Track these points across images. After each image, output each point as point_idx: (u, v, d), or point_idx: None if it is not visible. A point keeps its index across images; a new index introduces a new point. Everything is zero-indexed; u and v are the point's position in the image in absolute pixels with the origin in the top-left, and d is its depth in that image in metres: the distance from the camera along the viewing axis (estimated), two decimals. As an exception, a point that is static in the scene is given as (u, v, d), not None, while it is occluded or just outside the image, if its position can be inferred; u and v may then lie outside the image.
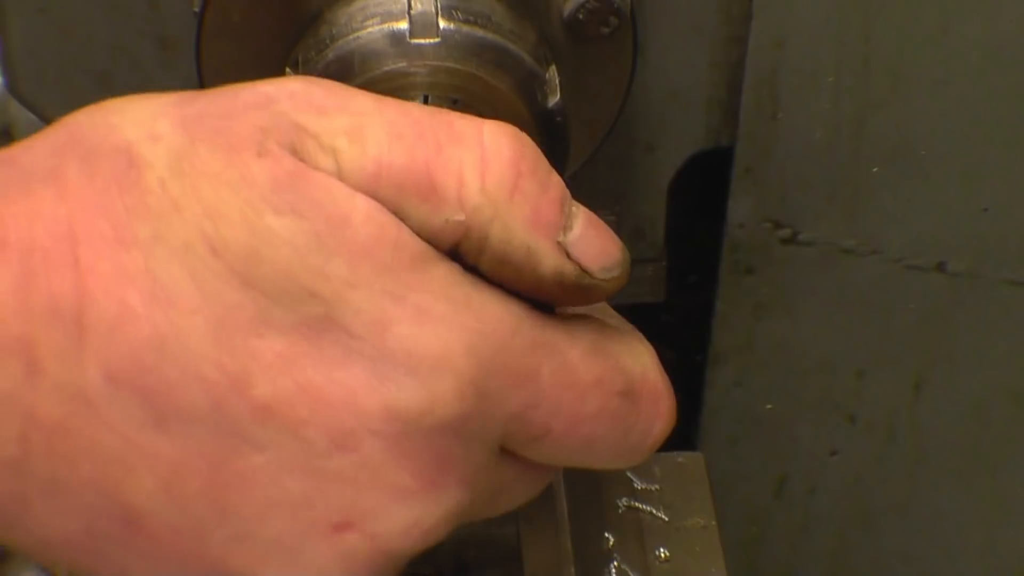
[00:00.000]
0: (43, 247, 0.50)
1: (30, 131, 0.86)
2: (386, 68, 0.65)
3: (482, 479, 0.56)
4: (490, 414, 0.54)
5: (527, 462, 0.59)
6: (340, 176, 0.52)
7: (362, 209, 0.52)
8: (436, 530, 0.55)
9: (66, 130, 0.54)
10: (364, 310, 0.51)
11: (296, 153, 0.52)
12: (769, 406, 0.93)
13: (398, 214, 0.53)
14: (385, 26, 0.65)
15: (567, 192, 0.57)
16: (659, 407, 0.60)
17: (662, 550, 0.82)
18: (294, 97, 0.54)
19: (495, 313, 0.54)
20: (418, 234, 0.53)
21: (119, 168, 0.51)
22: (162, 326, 0.50)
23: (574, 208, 0.57)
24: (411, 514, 0.53)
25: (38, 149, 0.53)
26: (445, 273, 0.53)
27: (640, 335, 0.63)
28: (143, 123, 0.53)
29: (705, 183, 0.84)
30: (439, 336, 0.52)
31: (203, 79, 0.71)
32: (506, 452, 0.58)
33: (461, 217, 0.54)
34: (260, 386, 0.51)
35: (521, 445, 0.57)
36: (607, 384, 0.58)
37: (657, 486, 0.85)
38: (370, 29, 0.65)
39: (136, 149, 0.52)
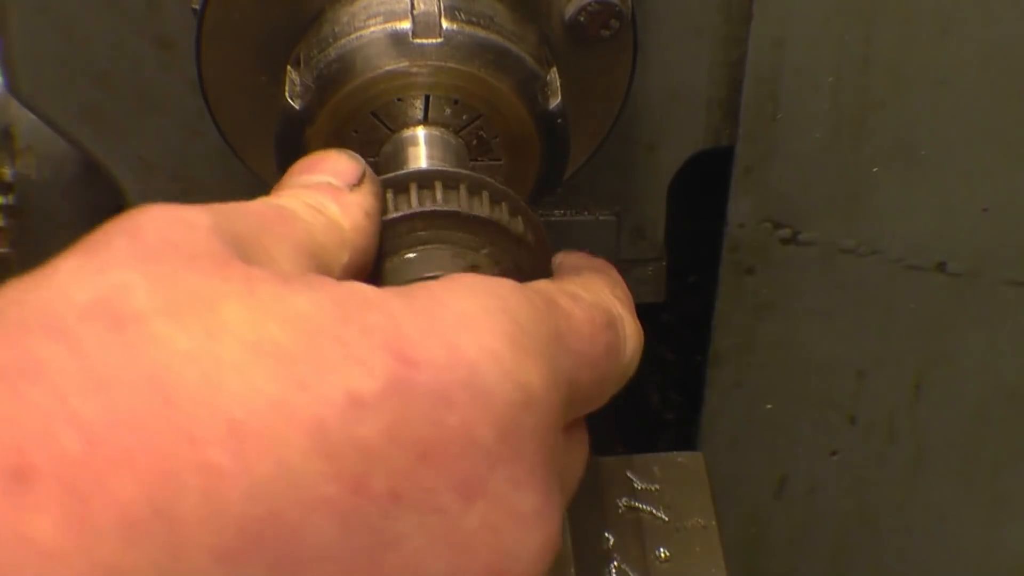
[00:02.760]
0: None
1: (30, 131, 0.86)
2: (388, 68, 0.65)
3: (560, 465, 0.54)
4: (562, 392, 0.54)
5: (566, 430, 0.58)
6: None
7: None
8: (558, 538, 0.52)
9: None
10: None
11: None
12: (769, 406, 0.93)
13: None
14: (387, 25, 0.65)
15: None
16: (626, 326, 0.61)
17: (662, 550, 0.82)
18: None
19: (509, 289, 0.54)
20: None
21: None
22: (260, 468, 0.45)
23: None
24: (543, 534, 0.51)
25: None
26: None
27: (586, 260, 0.66)
28: None
29: (705, 183, 0.84)
30: (496, 326, 0.51)
31: (203, 79, 0.71)
32: None
33: None
34: (378, 478, 0.47)
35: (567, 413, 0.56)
36: (599, 322, 0.59)
37: (657, 486, 0.85)
38: (372, 28, 0.65)
39: None
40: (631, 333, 0.61)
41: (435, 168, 0.64)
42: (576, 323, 0.57)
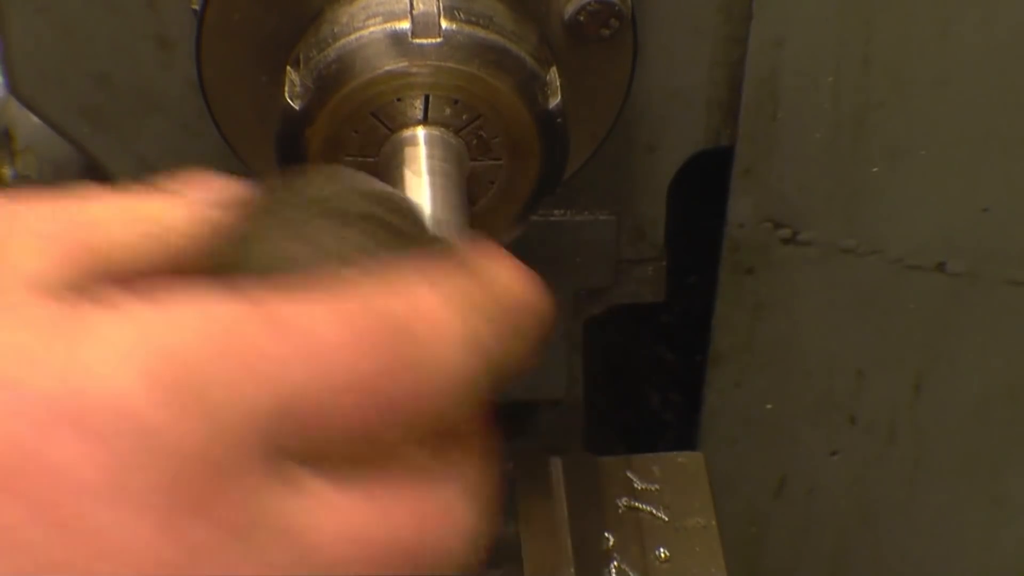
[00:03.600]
0: None
1: (30, 131, 0.86)
2: (387, 68, 0.65)
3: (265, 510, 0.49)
4: (241, 428, 0.48)
5: None
6: None
7: None
8: None
9: None
10: None
11: None
12: (769, 406, 0.93)
13: None
14: (387, 26, 0.65)
15: None
16: (429, 329, 0.50)
17: (662, 550, 0.82)
18: None
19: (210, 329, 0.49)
20: None
21: None
22: None
23: None
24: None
25: None
26: None
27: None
28: None
29: (705, 183, 0.84)
30: (139, 362, 0.48)
31: (203, 79, 0.71)
32: None
33: None
34: None
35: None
36: (359, 339, 0.48)
37: (657, 486, 0.85)
38: (372, 28, 0.65)
39: None
40: (439, 334, 0.50)
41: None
42: (314, 339, 0.48)
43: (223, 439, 0.47)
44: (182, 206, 0.56)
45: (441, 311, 0.50)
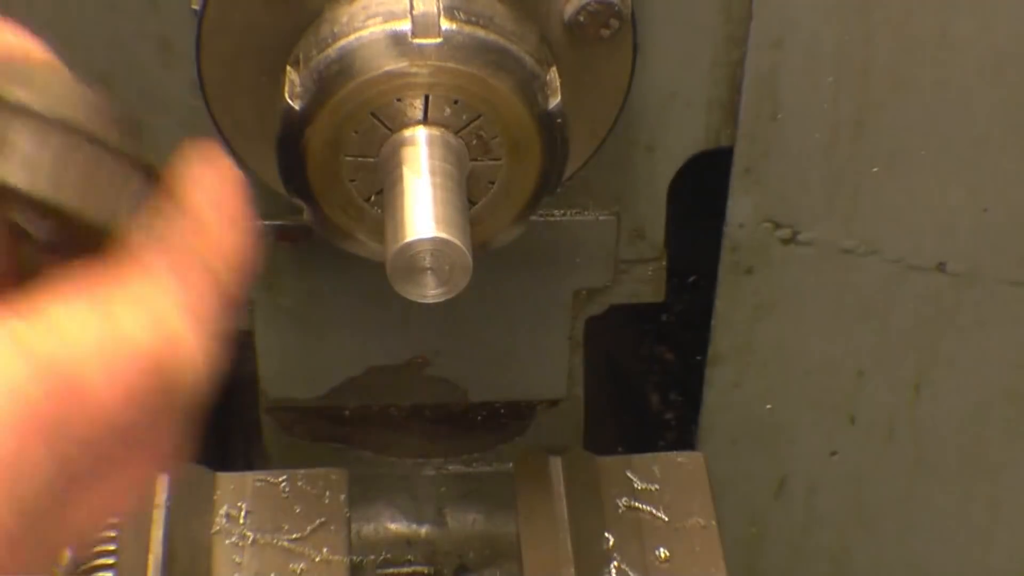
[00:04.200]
0: None
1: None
2: (387, 68, 0.65)
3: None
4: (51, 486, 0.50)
5: None
6: None
7: None
8: None
9: None
10: None
11: None
12: (769, 406, 0.93)
13: None
14: (387, 26, 0.65)
15: None
16: (187, 354, 0.52)
17: (662, 550, 0.82)
18: None
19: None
20: None
21: None
22: None
23: None
24: None
25: None
26: None
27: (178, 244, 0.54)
28: None
29: (705, 183, 0.84)
30: None
31: (203, 79, 0.71)
32: None
33: None
34: None
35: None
36: (135, 381, 0.51)
37: (657, 486, 0.85)
38: (372, 28, 0.65)
39: None
40: (189, 354, 0.52)
41: None
42: (93, 405, 0.49)
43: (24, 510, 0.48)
44: None
45: (185, 337, 0.52)
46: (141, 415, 0.51)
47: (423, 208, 0.64)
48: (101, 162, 0.52)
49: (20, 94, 0.52)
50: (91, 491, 0.51)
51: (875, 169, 0.83)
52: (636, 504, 0.84)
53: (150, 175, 0.53)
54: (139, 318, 0.51)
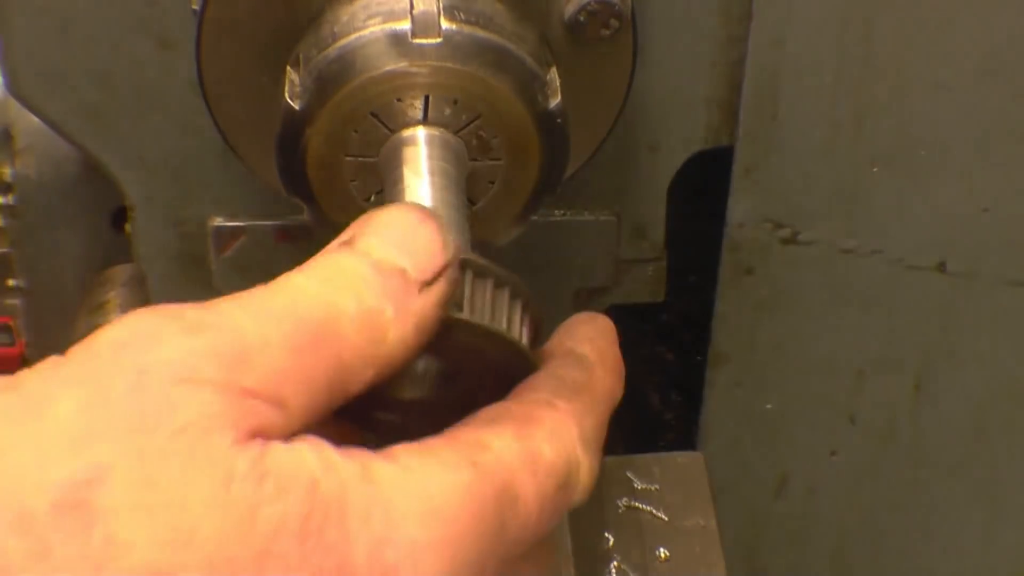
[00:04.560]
0: None
1: (30, 131, 0.86)
2: (387, 68, 0.65)
3: None
4: None
5: None
6: None
7: None
8: None
9: None
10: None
11: None
12: (769, 406, 0.93)
13: None
14: (387, 26, 0.65)
15: None
16: (581, 474, 0.60)
17: (662, 550, 0.82)
18: None
19: (461, 506, 0.54)
20: None
21: None
22: None
23: None
24: None
25: None
26: None
27: (571, 381, 0.63)
28: None
29: (705, 183, 0.84)
30: (437, 565, 0.53)
31: (203, 79, 0.71)
32: None
33: None
34: None
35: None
36: (550, 492, 0.58)
37: (657, 486, 0.85)
38: (372, 28, 0.65)
39: None
40: (585, 476, 0.60)
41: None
42: (526, 508, 0.56)
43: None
44: (393, 303, 0.56)
45: (585, 453, 0.60)
46: (548, 528, 0.58)
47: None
48: (517, 313, 0.61)
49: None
50: None
51: (875, 169, 0.83)
52: (636, 504, 0.84)
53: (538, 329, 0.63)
54: (554, 446, 0.58)
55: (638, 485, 0.85)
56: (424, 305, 0.56)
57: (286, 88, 0.67)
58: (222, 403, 0.50)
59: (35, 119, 0.79)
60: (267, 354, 0.52)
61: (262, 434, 0.50)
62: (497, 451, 0.56)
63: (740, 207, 0.84)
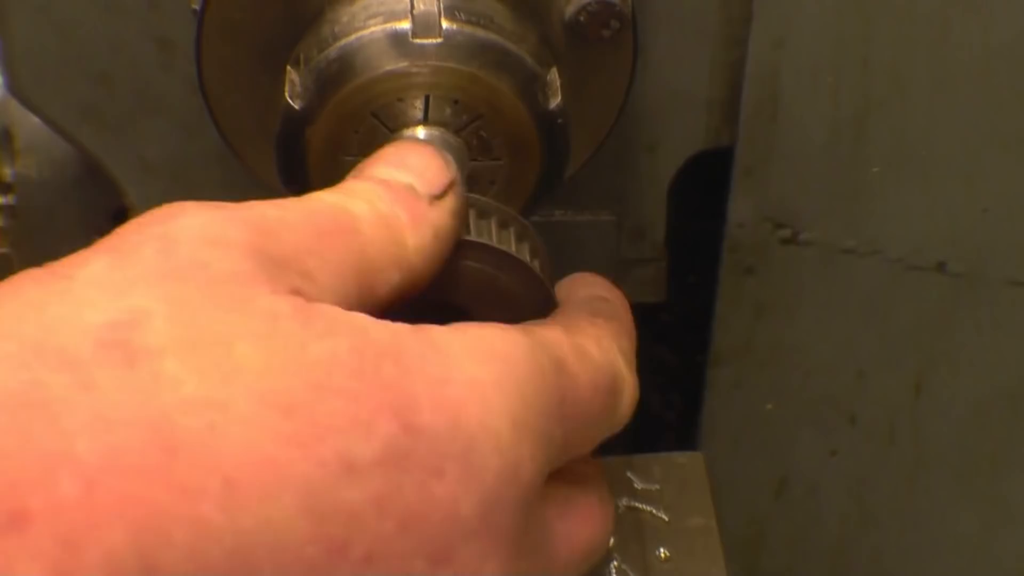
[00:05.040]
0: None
1: (30, 131, 0.86)
2: (388, 68, 0.65)
3: (541, 529, 0.55)
4: (550, 460, 0.54)
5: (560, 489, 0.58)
6: None
7: None
8: None
9: None
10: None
11: None
12: (769, 406, 0.93)
13: None
14: (387, 25, 0.65)
15: None
16: (626, 387, 0.61)
17: (662, 550, 0.82)
18: None
19: (522, 355, 0.53)
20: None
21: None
22: (247, 524, 0.45)
23: None
24: None
25: None
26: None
27: (601, 293, 0.65)
28: None
29: (705, 183, 0.84)
30: (503, 402, 0.51)
31: (203, 79, 0.71)
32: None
33: None
34: (358, 543, 0.47)
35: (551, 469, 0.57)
36: (602, 386, 0.58)
37: (657, 486, 0.85)
38: (372, 28, 0.65)
39: None
40: (629, 392, 0.61)
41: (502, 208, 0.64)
42: (579, 390, 0.56)
43: (551, 464, 0.54)
44: (407, 215, 0.57)
45: (627, 368, 0.61)
46: (601, 433, 0.58)
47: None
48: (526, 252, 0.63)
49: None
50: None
51: (875, 169, 0.83)
52: (636, 504, 0.84)
53: None
54: (599, 349, 0.59)
55: (638, 485, 0.85)
56: (439, 215, 0.57)
57: (286, 88, 0.67)
58: (254, 263, 0.49)
59: (35, 119, 0.79)
60: (292, 231, 0.51)
61: (298, 295, 0.50)
62: (550, 335, 0.57)
63: (740, 207, 0.84)
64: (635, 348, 0.64)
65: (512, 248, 0.61)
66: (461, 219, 0.59)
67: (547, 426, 0.53)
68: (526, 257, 0.62)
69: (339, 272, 0.52)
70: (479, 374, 0.51)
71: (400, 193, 0.57)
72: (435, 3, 0.65)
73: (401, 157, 0.59)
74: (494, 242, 0.60)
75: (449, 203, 0.58)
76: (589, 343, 0.59)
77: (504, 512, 0.50)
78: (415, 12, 0.65)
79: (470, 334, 0.53)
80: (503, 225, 0.62)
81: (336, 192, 0.56)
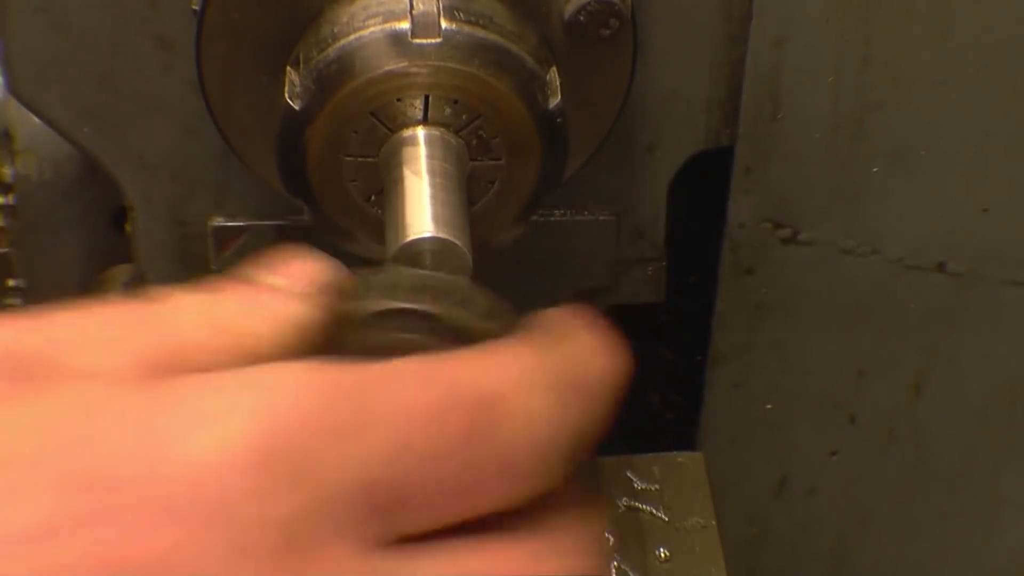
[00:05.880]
0: None
1: (30, 131, 0.86)
2: (387, 68, 0.65)
3: None
4: (347, 496, 0.50)
5: None
6: None
7: None
8: None
9: None
10: None
11: None
12: (769, 406, 0.93)
13: None
14: (387, 25, 0.65)
15: None
16: (512, 407, 0.52)
17: (662, 550, 0.82)
18: None
19: (321, 388, 0.49)
20: None
21: None
22: None
23: None
24: None
25: None
26: None
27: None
28: None
29: (705, 183, 0.84)
30: (239, 439, 0.47)
31: (203, 79, 0.71)
32: None
33: None
34: None
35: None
36: (445, 405, 0.50)
37: (657, 486, 0.85)
38: (371, 28, 0.65)
39: None
40: (523, 413, 0.51)
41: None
42: (401, 410, 0.49)
43: (319, 512, 0.47)
44: (262, 308, 0.53)
45: (523, 386, 0.51)
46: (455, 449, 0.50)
47: (423, 208, 0.64)
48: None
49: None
50: None
51: (875, 169, 0.83)
52: (636, 504, 0.84)
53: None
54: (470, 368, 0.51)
55: (638, 485, 0.85)
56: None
57: (286, 88, 0.67)
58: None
59: (35, 119, 0.79)
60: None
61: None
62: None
63: (740, 207, 0.84)
64: (565, 365, 0.55)
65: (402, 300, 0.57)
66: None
67: (324, 454, 0.47)
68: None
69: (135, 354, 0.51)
70: (213, 406, 0.47)
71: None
72: (434, 3, 0.65)
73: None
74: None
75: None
76: (441, 366, 0.51)
77: (249, 558, 0.46)
78: (414, 12, 0.65)
79: (240, 371, 0.49)
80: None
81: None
